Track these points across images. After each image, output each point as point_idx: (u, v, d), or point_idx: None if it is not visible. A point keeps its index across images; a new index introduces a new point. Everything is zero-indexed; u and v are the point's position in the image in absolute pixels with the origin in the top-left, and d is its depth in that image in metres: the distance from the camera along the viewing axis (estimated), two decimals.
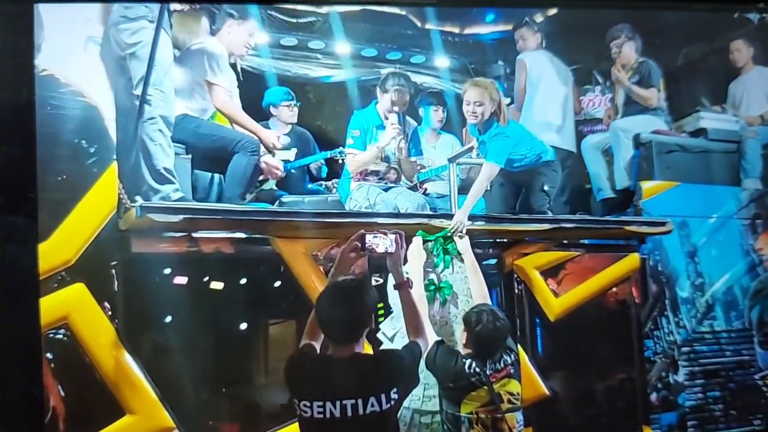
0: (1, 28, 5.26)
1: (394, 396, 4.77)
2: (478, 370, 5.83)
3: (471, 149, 7.87)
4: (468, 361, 5.86)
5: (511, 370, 5.97)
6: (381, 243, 5.43)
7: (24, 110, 5.37)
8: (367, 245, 5.43)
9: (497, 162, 7.27)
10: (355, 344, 4.85)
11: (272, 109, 8.69)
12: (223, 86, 7.42)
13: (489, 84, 7.48)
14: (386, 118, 7.76)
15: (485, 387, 5.83)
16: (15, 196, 5.23)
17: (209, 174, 7.64)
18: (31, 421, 5.25)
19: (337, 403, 4.68)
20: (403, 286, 5.44)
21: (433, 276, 6.90)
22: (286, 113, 8.68)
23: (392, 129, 7.65)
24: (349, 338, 4.84)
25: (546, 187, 7.64)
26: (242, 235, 6.63)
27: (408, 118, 8.06)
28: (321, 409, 4.68)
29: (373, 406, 4.69)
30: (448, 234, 6.92)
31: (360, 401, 4.69)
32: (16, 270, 5.15)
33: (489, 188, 7.68)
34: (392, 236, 5.43)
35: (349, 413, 4.68)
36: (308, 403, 4.70)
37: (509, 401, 5.91)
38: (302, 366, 4.95)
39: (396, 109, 7.80)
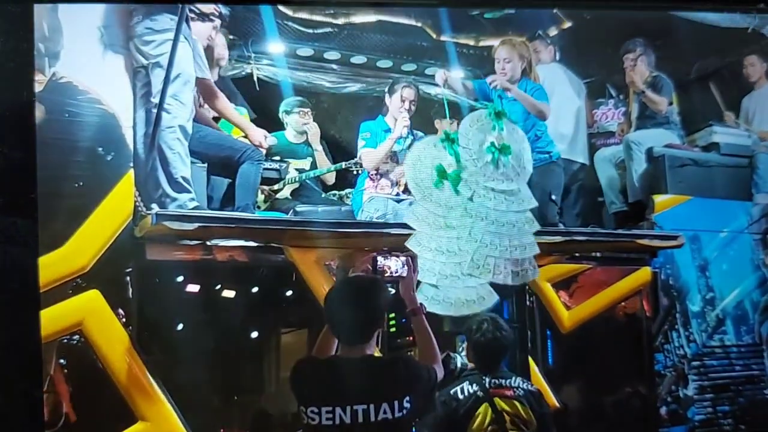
0: (1, 28, 5.24)
1: (406, 405, 4.52)
2: (474, 388, 5.65)
3: None
4: (461, 386, 5.68)
5: (520, 394, 5.69)
6: (392, 266, 5.37)
7: (24, 111, 5.31)
8: (378, 268, 5.39)
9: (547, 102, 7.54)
10: (366, 345, 4.64)
11: (286, 117, 8.69)
12: (211, 80, 7.37)
13: (518, 42, 7.60)
14: (395, 119, 7.74)
15: (485, 403, 5.61)
16: (15, 197, 5.19)
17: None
18: (31, 422, 5.22)
19: (348, 409, 4.44)
20: (417, 312, 5.15)
21: (492, 140, 6.87)
22: (298, 120, 8.68)
23: (403, 120, 7.67)
24: (361, 337, 4.64)
25: (553, 196, 7.63)
26: (256, 244, 6.62)
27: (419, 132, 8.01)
28: (330, 416, 4.44)
29: (385, 413, 4.45)
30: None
31: (372, 407, 4.45)
32: (16, 271, 5.12)
33: None
34: (403, 259, 5.35)
35: (360, 419, 4.45)
36: (316, 410, 4.46)
37: (512, 422, 5.62)
38: (309, 369, 4.76)
39: (406, 105, 7.77)
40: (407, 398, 4.53)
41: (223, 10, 6.97)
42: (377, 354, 4.97)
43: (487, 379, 5.69)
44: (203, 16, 6.99)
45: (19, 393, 4.88)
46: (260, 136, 7.48)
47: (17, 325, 4.92)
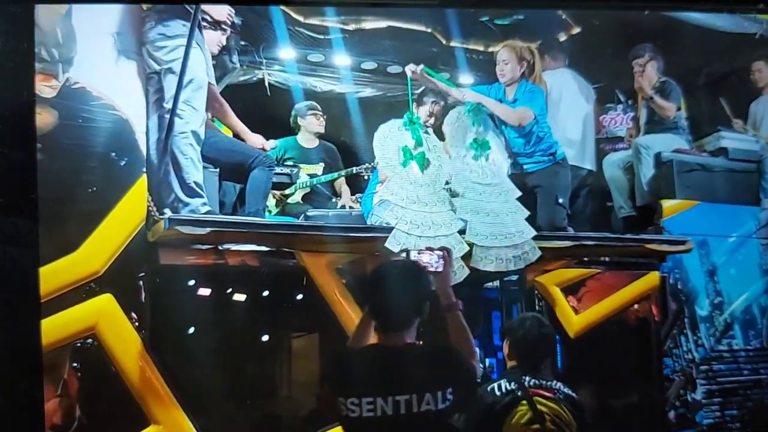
0: (1, 29, 5.29)
1: (449, 397, 4.44)
2: (512, 386, 5.58)
3: None
4: (498, 383, 5.61)
5: (560, 397, 5.68)
6: (427, 260, 5.27)
7: (24, 111, 5.38)
8: None
9: (534, 110, 7.54)
10: (406, 333, 4.57)
11: (299, 120, 8.71)
12: (215, 85, 7.37)
13: (520, 45, 7.63)
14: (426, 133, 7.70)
15: (524, 402, 5.53)
16: (16, 198, 5.23)
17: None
18: (31, 422, 5.24)
19: (389, 400, 4.37)
20: (452, 308, 4.99)
21: (474, 135, 7.36)
22: (314, 122, 8.71)
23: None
24: (403, 324, 4.57)
25: (560, 200, 7.63)
26: (267, 248, 6.63)
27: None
28: (371, 407, 4.37)
29: (428, 404, 4.38)
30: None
31: (414, 397, 4.37)
32: (17, 271, 5.15)
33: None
34: (439, 253, 5.25)
35: (403, 411, 4.37)
36: (356, 401, 4.38)
37: (553, 422, 5.55)
38: (348, 358, 4.71)
39: (431, 121, 7.79)
40: (450, 390, 4.45)
41: (236, 19, 6.95)
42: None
43: (527, 378, 5.66)
44: (216, 25, 6.99)
45: (19, 393, 4.93)
46: (259, 143, 7.49)
47: (17, 326, 5.00)
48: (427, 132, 7.37)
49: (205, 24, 6.90)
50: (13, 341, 5.12)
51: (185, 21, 6.54)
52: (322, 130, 8.88)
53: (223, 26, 7.14)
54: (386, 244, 6.64)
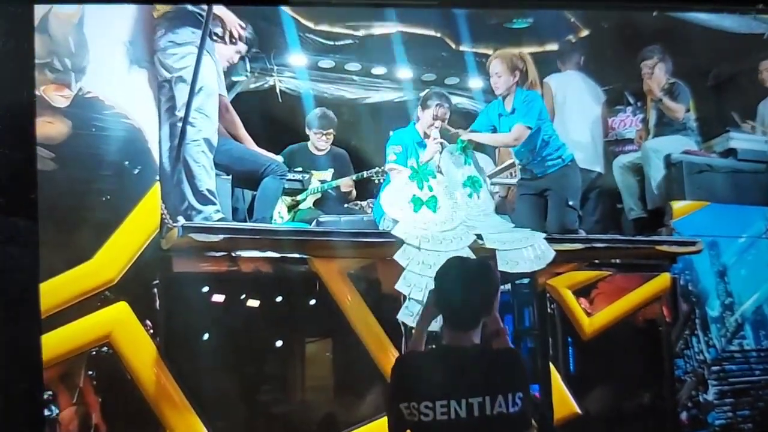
0: (1, 28, 5.27)
1: (518, 401, 4.26)
2: None
3: (512, 166, 7.91)
4: None
5: None
6: None
7: (24, 111, 5.32)
8: None
9: (526, 123, 7.45)
10: (473, 332, 4.39)
11: (308, 131, 8.74)
12: (225, 96, 7.39)
13: (511, 54, 7.61)
14: (426, 136, 7.69)
15: None
16: (16, 198, 5.20)
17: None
18: (31, 423, 5.23)
19: (463, 402, 4.19)
20: (500, 333, 4.75)
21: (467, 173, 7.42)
22: (319, 140, 8.76)
23: (435, 143, 7.55)
24: (472, 321, 4.39)
25: (571, 202, 7.60)
26: (280, 255, 6.63)
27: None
28: (445, 410, 4.18)
29: (500, 406, 4.19)
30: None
31: (488, 399, 4.20)
32: (17, 271, 5.13)
33: (513, 176, 7.93)
34: None
35: (476, 413, 4.19)
36: (431, 404, 4.18)
37: None
38: (418, 362, 4.56)
39: (438, 124, 7.68)
40: (519, 395, 4.28)
41: (248, 33, 6.94)
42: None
43: None
44: (228, 39, 6.98)
45: (19, 393, 4.89)
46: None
47: (17, 326, 4.93)
48: (434, 174, 7.37)
49: (216, 38, 6.90)
50: (13, 341, 5.10)
51: (195, 28, 6.55)
52: (328, 147, 8.93)
53: (234, 40, 7.12)
54: (395, 257, 6.61)
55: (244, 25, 6.96)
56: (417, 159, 7.46)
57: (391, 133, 7.91)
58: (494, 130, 7.73)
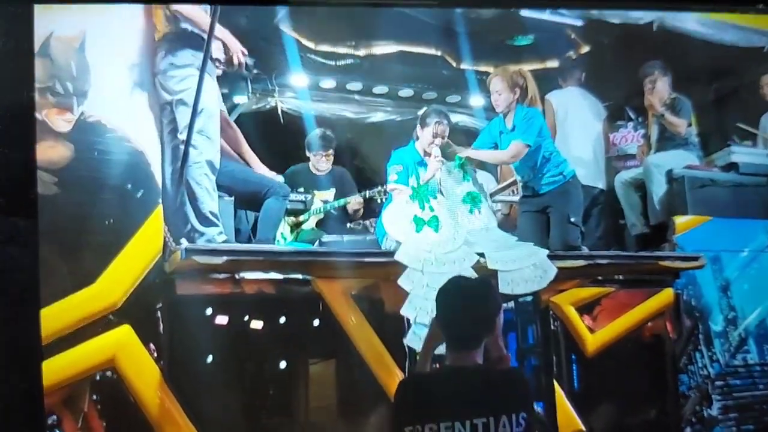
0: (1, 28, 5.23)
1: (522, 421, 4.21)
2: None
3: (513, 184, 7.90)
4: None
5: None
6: None
7: (24, 111, 5.29)
8: None
9: (525, 140, 7.44)
10: (476, 352, 4.37)
11: (308, 153, 8.75)
12: (226, 113, 7.42)
13: (510, 71, 7.59)
14: (426, 154, 7.66)
15: None
16: (15, 197, 5.18)
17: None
18: (30, 422, 5.23)
19: (467, 423, 4.14)
20: (504, 360, 4.78)
21: (467, 190, 7.42)
22: (318, 161, 8.81)
23: (436, 161, 7.51)
24: (473, 341, 4.37)
25: (572, 219, 7.58)
26: (283, 276, 6.62)
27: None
28: (450, 431, 4.15)
29: (504, 427, 4.15)
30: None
31: (492, 420, 4.14)
32: (17, 272, 5.12)
33: (515, 193, 8.00)
34: None
35: None
36: (435, 426, 4.14)
37: None
38: (423, 384, 4.52)
39: (437, 141, 7.64)
40: (522, 415, 4.24)
41: (249, 59, 6.92)
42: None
43: None
44: (229, 65, 6.96)
45: (19, 393, 4.90)
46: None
47: (17, 326, 4.95)
48: (434, 195, 7.35)
49: (218, 65, 6.88)
50: (13, 341, 5.09)
51: (194, 50, 6.55)
52: (329, 168, 8.94)
53: (232, 64, 7.10)
54: (399, 281, 6.56)
55: (246, 51, 6.93)
56: (417, 178, 7.44)
57: (391, 152, 7.88)
58: (496, 147, 7.70)
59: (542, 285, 6.87)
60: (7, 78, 5.03)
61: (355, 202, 8.62)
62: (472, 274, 6.52)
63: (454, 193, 7.31)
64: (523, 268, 6.83)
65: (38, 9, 5.31)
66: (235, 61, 6.85)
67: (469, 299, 4.47)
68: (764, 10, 7.33)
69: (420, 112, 8.12)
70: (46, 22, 5.83)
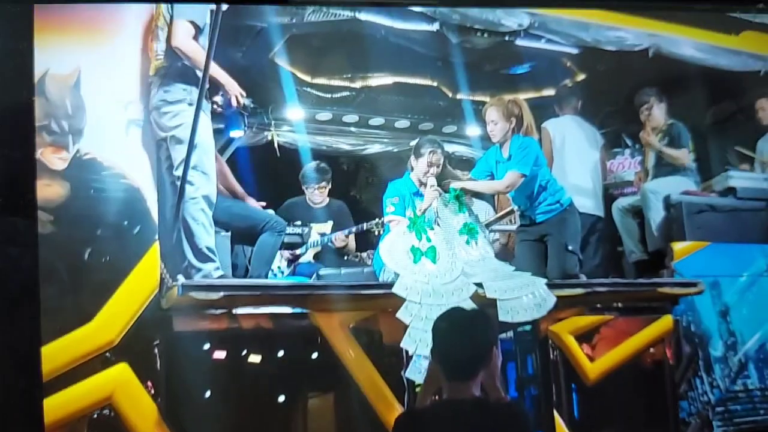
0: (1, 29, 5.34)
1: None
2: None
3: (511, 213, 7.89)
4: None
5: None
6: None
7: (24, 111, 5.43)
8: None
9: (520, 170, 7.40)
10: (473, 382, 4.26)
11: (303, 186, 8.76)
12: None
13: (506, 101, 7.58)
14: (422, 184, 7.65)
15: None
16: (15, 198, 5.28)
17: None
18: (29, 421, 5.27)
19: None
20: (501, 401, 4.64)
21: (463, 221, 7.31)
22: (313, 195, 8.85)
23: (432, 191, 7.46)
24: (470, 371, 4.27)
25: (570, 247, 7.55)
26: (281, 310, 6.62)
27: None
28: None
29: None
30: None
31: None
32: (16, 272, 5.17)
33: (512, 222, 8.07)
34: None
35: None
36: None
37: None
38: (421, 418, 4.46)
39: (432, 171, 7.65)
40: None
41: (247, 101, 6.92)
42: None
43: None
44: (228, 107, 6.96)
45: (18, 392, 5.08)
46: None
47: (17, 326, 5.13)
48: (431, 225, 7.27)
49: (216, 107, 6.89)
50: (13, 340, 5.13)
51: (186, 85, 6.55)
52: (325, 200, 8.95)
53: (232, 108, 7.10)
54: (397, 315, 6.50)
55: (244, 93, 6.94)
56: (414, 209, 7.43)
57: (387, 184, 7.87)
58: (492, 177, 7.66)
59: (542, 313, 6.83)
60: (7, 78, 5.21)
61: (338, 239, 8.64)
62: (470, 305, 6.50)
63: (451, 225, 7.28)
64: (522, 296, 6.81)
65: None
66: (234, 103, 6.85)
67: (463, 327, 4.41)
68: (764, 9, 7.40)
69: (412, 143, 8.13)
70: (41, 59, 5.78)
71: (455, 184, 7.49)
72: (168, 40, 6.53)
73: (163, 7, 6.60)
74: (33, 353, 5.29)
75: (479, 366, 4.32)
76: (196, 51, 6.53)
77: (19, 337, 5.20)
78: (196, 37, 6.58)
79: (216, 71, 6.63)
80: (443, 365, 4.38)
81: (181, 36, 6.50)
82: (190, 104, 6.50)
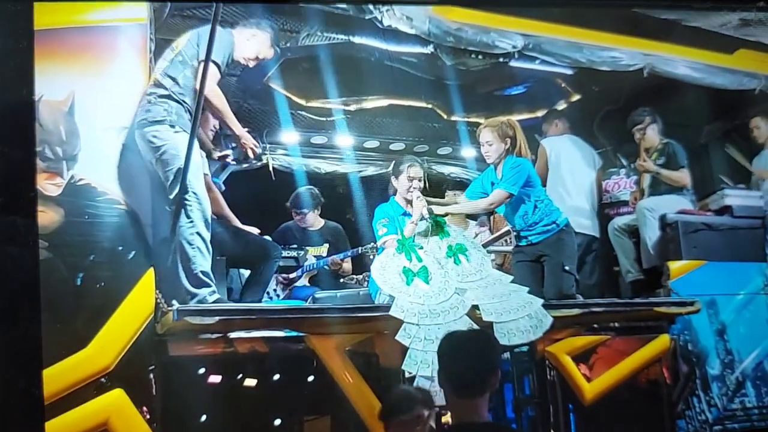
0: (1, 28, 5.35)
1: None
2: None
3: (507, 234, 7.87)
4: None
5: None
6: None
7: (24, 110, 5.45)
8: None
9: (508, 189, 7.45)
10: (480, 401, 4.23)
11: (293, 213, 8.77)
12: (209, 175, 7.20)
13: (500, 122, 7.62)
14: (408, 202, 7.69)
15: None
16: (15, 197, 5.29)
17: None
18: (29, 421, 5.27)
19: None
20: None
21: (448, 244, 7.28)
22: (304, 220, 8.87)
23: (419, 201, 7.46)
24: (477, 390, 4.24)
25: (567, 267, 7.54)
26: (277, 334, 6.60)
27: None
28: None
29: None
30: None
31: None
32: (16, 270, 5.18)
33: (508, 243, 8.11)
34: None
35: None
36: None
37: None
38: None
39: (415, 184, 7.66)
40: None
41: (260, 149, 6.94)
42: None
43: None
44: (244, 160, 6.97)
45: (18, 390, 5.11)
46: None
47: (17, 325, 5.13)
48: (421, 246, 7.26)
49: (230, 160, 6.93)
50: (13, 340, 5.16)
51: (166, 103, 6.54)
52: (319, 224, 8.98)
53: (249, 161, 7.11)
54: (396, 337, 6.48)
55: (258, 144, 6.95)
56: (402, 232, 7.42)
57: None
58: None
59: (538, 335, 6.80)
60: (7, 78, 5.24)
61: (334, 263, 8.64)
62: (469, 322, 6.58)
63: (437, 250, 7.25)
64: (518, 318, 6.78)
65: None
66: (251, 155, 6.86)
67: (472, 348, 4.43)
68: (764, 8, 7.43)
69: (390, 168, 8.16)
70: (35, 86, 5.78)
71: (438, 210, 7.46)
72: (196, 80, 6.53)
73: (191, 38, 6.69)
74: (33, 352, 5.30)
75: (487, 384, 4.30)
76: (220, 98, 6.59)
77: (19, 336, 5.22)
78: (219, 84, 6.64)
79: (229, 119, 6.72)
80: (452, 385, 4.34)
81: (211, 82, 6.52)
82: (172, 125, 6.49)
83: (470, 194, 7.86)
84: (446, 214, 7.51)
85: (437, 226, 7.38)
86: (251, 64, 7.12)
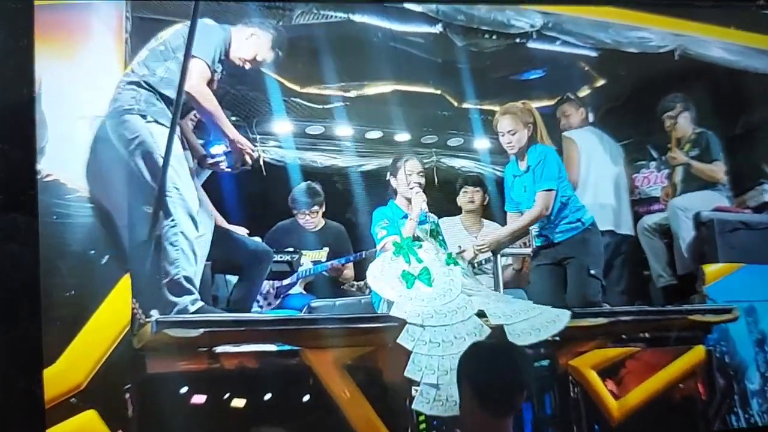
0: (1, 28, 5.43)
1: None
2: None
3: (524, 234, 7.77)
4: None
5: None
6: None
7: (24, 109, 5.51)
8: None
9: (550, 186, 7.35)
10: (510, 419, 4.40)
11: (293, 211, 8.65)
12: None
13: (519, 107, 7.52)
14: (408, 201, 7.63)
15: None
16: (15, 195, 5.40)
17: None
18: (29, 420, 5.31)
19: None
20: None
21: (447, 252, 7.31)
22: (305, 220, 8.75)
23: (418, 196, 7.46)
24: (512, 406, 4.42)
25: (592, 271, 7.41)
26: (268, 348, 6.44)
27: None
28: None
29: None
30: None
31: None
32: (16, 269, 5.28)
33: (526, 245, 8.02)
34: None
35: None
36: None
37: None
38: None
39: (414, 179, 7.61)
40: None
41: (256, 153, 6.87)
42: None
43: None
44: (240, 165, 6.87)
45: (18, 390, 5.22)
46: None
47: (17, 325, 5.26)
48: (420, 245, 7.19)
49: (225, 167, 6.87)
50: (13, 340, 5.26)
51: (134, 91, 6.45)
52: (320, 224, 8.83)
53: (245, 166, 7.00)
54: (398, 340, 6.37)
55: (254, 148, 6.85)
56: (400, 234, 7.36)
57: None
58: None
59: (558, 329, 6.66)
60: (7, 77, 5.41)
61: (333, 268, 8.52)
62: (479, 323, 6.54)
63: (439, 260, 7.13)
64: (530, 318, 6.64)
65: None
66: (248, 161, 6.76)
67: (505, 362, 4.55)
68: (764, 6, 7.33)
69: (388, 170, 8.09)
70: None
71: (485, 248, 7.50)
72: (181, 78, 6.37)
73: (180, 29, 6.61)
74: (33, 351, 5.35)
75: (521, 399, 4.49)
76: (210, 100, 6.52)
77: (19, 336, 5.31)
78: (210, 84, 6.58)
79: (221, 122, 6.67)
80: (485, 402, 4.40)
81: (195, 78, 6.45)
82: (143, 115, 6.39)
83: (510, 207, 7.87)
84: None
85: (432, 234, 7.40)
86: (247, 65, 7.05)
